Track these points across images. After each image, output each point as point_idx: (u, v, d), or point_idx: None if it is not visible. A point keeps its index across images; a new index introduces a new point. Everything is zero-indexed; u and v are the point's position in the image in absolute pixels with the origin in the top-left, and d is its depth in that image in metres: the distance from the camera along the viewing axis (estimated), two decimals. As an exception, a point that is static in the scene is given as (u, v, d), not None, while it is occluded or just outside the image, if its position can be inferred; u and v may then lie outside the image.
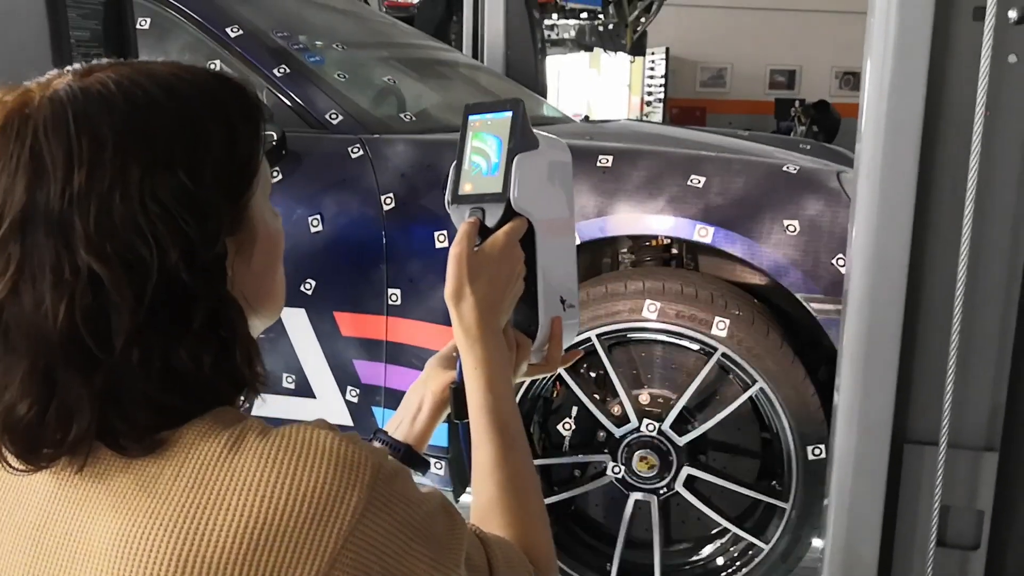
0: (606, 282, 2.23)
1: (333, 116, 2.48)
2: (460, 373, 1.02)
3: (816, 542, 2.18)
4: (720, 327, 2.11)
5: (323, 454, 0.70)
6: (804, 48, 11.09)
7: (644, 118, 10.80)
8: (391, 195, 2.32)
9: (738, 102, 11.49)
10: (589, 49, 6.45)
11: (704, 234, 2.10)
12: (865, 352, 1.31)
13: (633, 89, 10.82)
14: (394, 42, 3.44)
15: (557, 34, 5.65)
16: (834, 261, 2.06)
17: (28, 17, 1.63)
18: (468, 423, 1.01)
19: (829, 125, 8.97)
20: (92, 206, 0.69)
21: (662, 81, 10.81)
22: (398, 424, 1.10)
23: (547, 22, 5.70)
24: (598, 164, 2.24)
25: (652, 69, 10.71)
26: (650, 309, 2.14)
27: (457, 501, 2.54)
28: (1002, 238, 1.27)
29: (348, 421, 2.45)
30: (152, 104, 0.73)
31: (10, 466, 0.72)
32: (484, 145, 1.01)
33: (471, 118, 1.03)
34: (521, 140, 1.00)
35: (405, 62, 3.24)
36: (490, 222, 1.00)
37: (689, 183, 2.17)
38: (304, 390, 2.45)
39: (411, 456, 1.09)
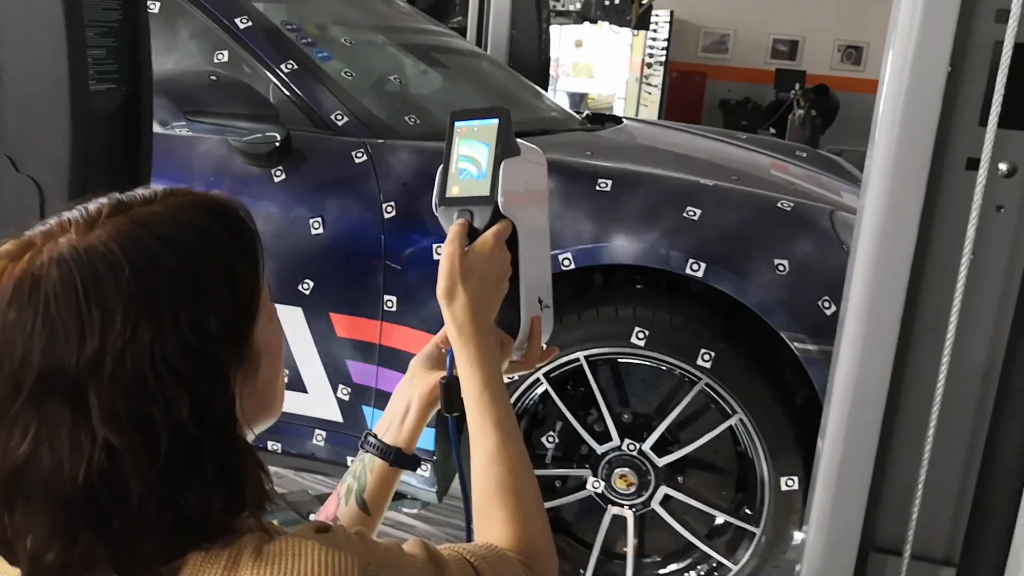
0: (597, 305, 2.29)
1: (339, 117, 2.49)
2: (450, 368, 1.06)
3: (797, 536, 2.27)
4: (705, 359, 2.17)
5: (312, 569, 0.76)
6: (808, 19, 10.99)
7: (645, 80, 10.75)
8: (392, 203, 2.35)
9: (739, 69, 11.41)
10: (593, 22, 6.42)
11: (696, 269, 2.15)
12: (841, 462, 1.39)
13: (635, 49, 10.72)
14: (398, 27, 3.42)
15: (563, 5, 5.62)
16: (820, 303, 2.11)
17: (47, 35, 1.65)
18: (456, 417, 1.06)
19: (827, 109, 8.95)
20: (104, 374, 0.72)
21: (664, 44, 10.71)
22: (387, 427, 1.13)
23: (554, -6, 5.66)
24: (597, 188, 2.28)
25: (655, 32, 10.60)
26: (638, 336, 2.20)
27: (440, 502, 2.61)
28: (977, 370, 1.35)
29: (338, 417, 2.51)
30: (155, 264, 0.75)
31: None
32: (471, 150, 1.06)
33: (457, 124, 1.08)
34: (506, 146, 1.04)
35: (410, 53, 3.23)
36: (478, 224, 1.05)
37: (685, 215, 2.21)
38: (296, 385, 2.50)
39: (401, 458, 1.11)
